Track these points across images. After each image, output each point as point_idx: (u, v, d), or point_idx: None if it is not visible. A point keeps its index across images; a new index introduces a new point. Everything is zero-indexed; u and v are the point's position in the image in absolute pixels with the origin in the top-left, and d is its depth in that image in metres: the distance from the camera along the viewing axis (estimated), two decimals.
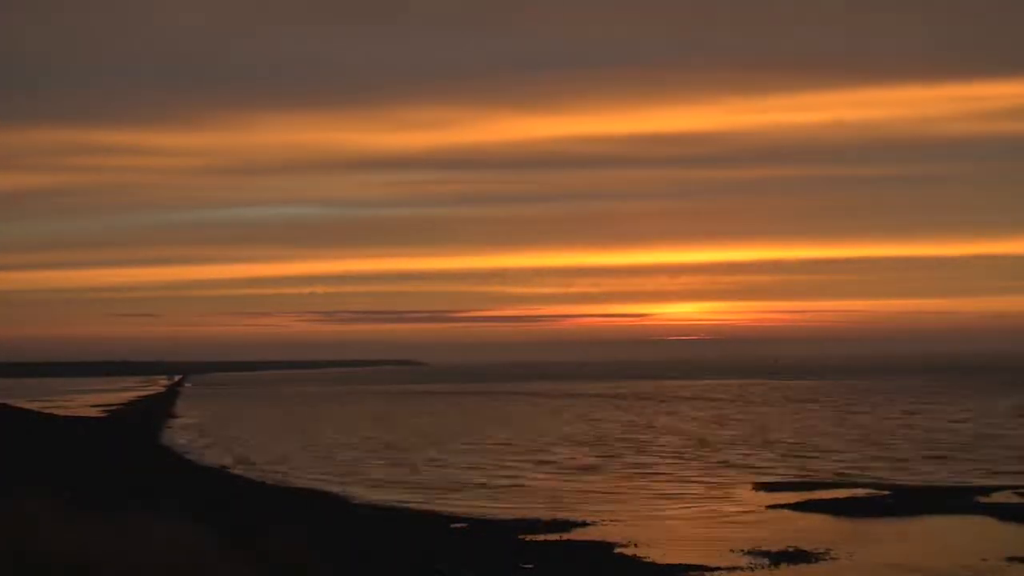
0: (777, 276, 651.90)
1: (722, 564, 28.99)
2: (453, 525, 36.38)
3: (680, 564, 29.16)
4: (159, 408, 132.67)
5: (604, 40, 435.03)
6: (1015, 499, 40.46)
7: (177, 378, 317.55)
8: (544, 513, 39.15)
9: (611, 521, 36.87)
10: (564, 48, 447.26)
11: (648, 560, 29.60)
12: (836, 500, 40.93)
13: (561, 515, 38.41)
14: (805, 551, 30.38)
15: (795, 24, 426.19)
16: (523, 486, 48.26)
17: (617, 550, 31.09)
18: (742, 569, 28.39)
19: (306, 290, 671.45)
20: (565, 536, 33.66)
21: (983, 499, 40.41)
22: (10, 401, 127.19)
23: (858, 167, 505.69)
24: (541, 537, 33.29)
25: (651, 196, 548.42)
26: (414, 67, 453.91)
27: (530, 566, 28.30)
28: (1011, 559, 29.08)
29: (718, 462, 56.88)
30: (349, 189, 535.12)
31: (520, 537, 33.32)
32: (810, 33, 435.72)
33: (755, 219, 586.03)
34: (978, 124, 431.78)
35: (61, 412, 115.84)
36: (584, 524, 36.18)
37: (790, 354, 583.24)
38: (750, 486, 46.27)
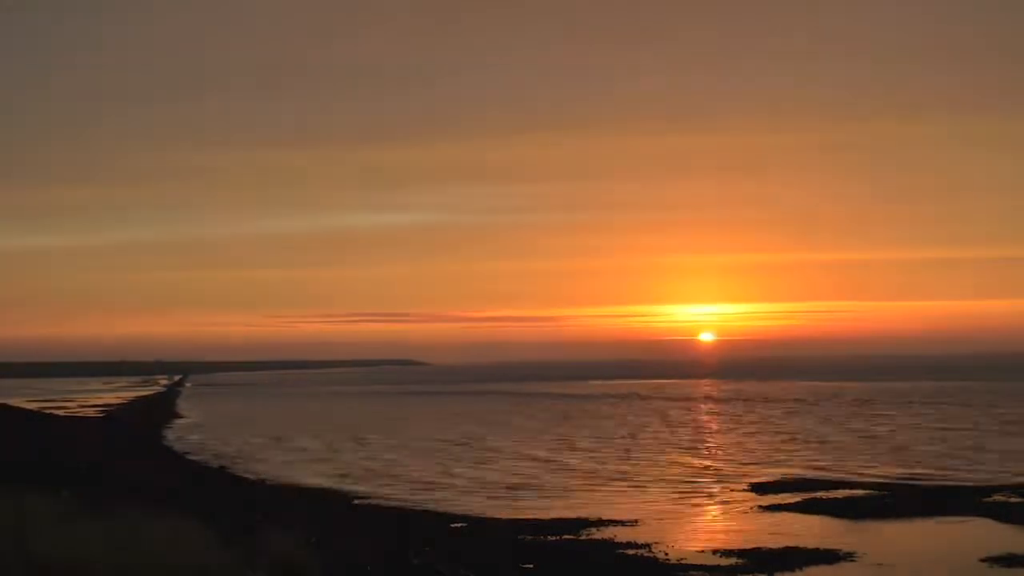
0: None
1: (722, 564, 29.02)
2: (453, 525, 36.42)
3: (680, 563, 29.18)
4: (159, 408, 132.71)
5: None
6: (1015, 499, 40.42)
7: (177, 378, 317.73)
8: (544, 513, 39.21)
9: (612, 521, 36.87)
10: None
11: (648, 560, 29.60)
12: (836, 500, 40.90)
13: (561, 515, 38.45)
14: (804, 553, 30.40)
15: None
16: (522, 485, 48.30)
17: (618, 551, 31.10)
18: (742, 570, 28.40)
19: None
20: (565, 536, 33.68)
21: (983, 500, 40.38)
22: (10, 401, 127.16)
23: None
24: (541, 537, 33.34)
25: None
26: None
27: (530, 566, 28.31)
28: (1008, 561, 29.05)
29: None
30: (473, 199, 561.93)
31: (520, 537, 33.35)
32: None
33: None
34: None
35: (61, 412, 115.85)
36: (585, 524, 36.19)
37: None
38: (749, 486, 46.27)
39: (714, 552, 30.62)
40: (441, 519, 37.97)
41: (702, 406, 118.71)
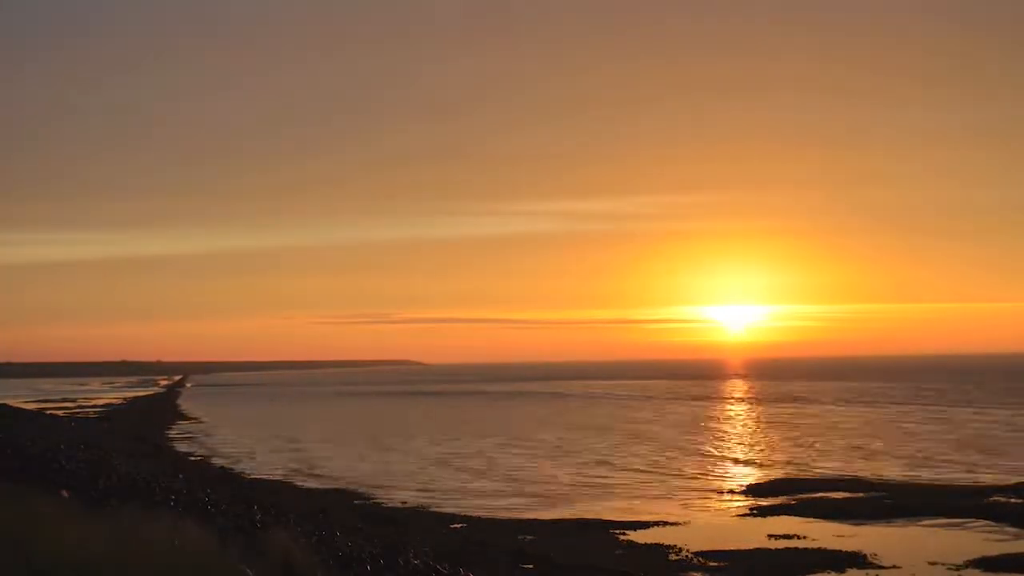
0: None
1: (723, 566, 29.00)
2: (453, 525, 36.44)
3: (679, 562, 29.21)
4: (159, 408, 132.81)
5: None
6: (1014, 499, 40.36)
7: (177, 378, 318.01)
8: (544, 514, 39.23)
9: (612, 522, 36.87)
10: None
11: (649, 561, 29.59)
12: (836, 501, 40.88)
13: (562, 516, 38.47)
14: (806, 554, 30.41)
15: None
16: (520, 486, 48.32)
17: (618, 552, 31.12)
18: (744, 573, 28.39)
19: None
20: (565, 536, 33.69)
21: (983, 501, 40.31)
22: (10, 401, 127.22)
23: None
24: (541, 537, 33.35)
25: None
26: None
27: (530, 566, 28.34)
28: (1007, 563, 29.06)
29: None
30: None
31: (520, 537, 33.37)
32: None
33: None
34: None
35: (61, 412, 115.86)
36: (585, 525, 36.21)
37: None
38: (750, 488, 46.26)
39: (715, 553, 30.60)
40: (441, 519, 38.01)
41: (716, 407, 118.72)
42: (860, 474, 50.20)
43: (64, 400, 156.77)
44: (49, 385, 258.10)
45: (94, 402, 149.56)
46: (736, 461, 58.57)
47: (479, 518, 38.21)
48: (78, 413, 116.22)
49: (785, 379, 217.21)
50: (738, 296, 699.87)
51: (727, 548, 31.33)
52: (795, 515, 38.03)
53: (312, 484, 50.26)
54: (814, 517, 37.29)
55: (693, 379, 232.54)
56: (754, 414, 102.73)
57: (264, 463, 61.33)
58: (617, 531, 34.93)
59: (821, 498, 41.91)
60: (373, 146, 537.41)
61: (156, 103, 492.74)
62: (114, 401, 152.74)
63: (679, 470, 54.22)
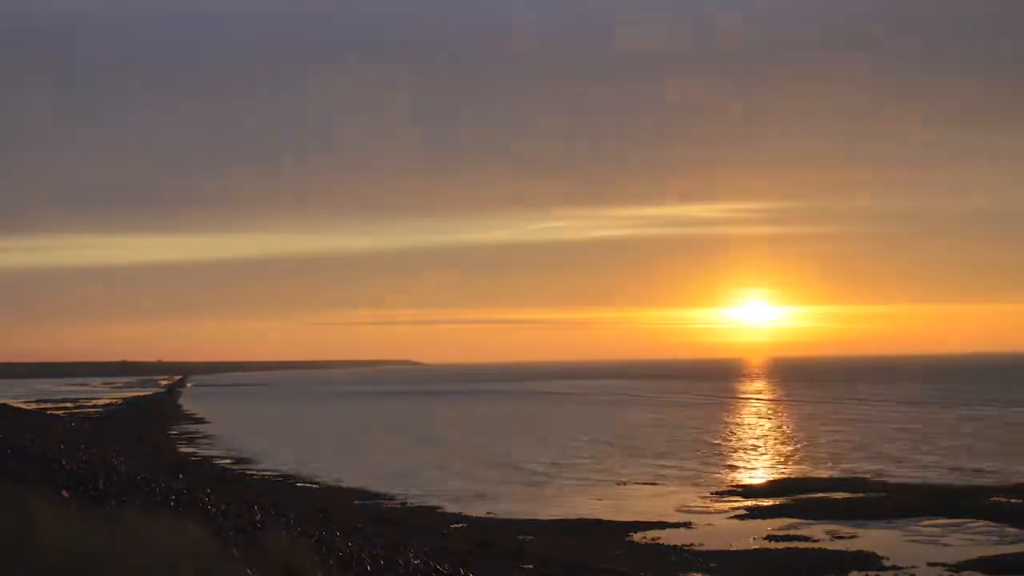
0: None
1: (724, 567, 29.01)
2: (453, 525, 36.45)
3: (679, 563, 29.22)
4: (160, 408, 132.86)
5: None
6: (1014, 499, 40.37)
7: (178, 378, 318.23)
8: (544, 514, 39.24)
9: (612, 522, 36.88)
10: None
11: (647, 560, 29.61)
12: (835, 502, 40.90)
13: (561, 515, 38.48)
14: (807, 554, 30.41)
15: None
16: (518, 487, 48.34)
17: (617, 551, 31.13)
18: (741, 573, 28.40)
19: None
20: (564, 538, 33.70)
21: (983, 501, 40.32)
22: (10, 401, 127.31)
23: None
24: (541, 537, 33.36)
25: None
26: None
27: (530, 566, 28.35)
28: (1004, 563, 29.07)
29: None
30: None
31: (520, 537, 33.38)
32: None
33: None
34: None
35: (61, 412, 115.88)
36: (584, 525, 36.23)
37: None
38: (750, 488, 46.26)
39: (716, 554, 30.62)
40: (441, 519, 38.03)
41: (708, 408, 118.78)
42: (857, 475, 50.22)
43: (64, 400, 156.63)
44: (49, 385, 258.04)
45: (94, 402, 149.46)
46: (737, 461, 58.54)
47: (479, 518, 38.23)
48: (78, 413, 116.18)
49: (799, 380, 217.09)
50: (754, 298, 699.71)
51: (727, 549, 31.35)
52: (795, 516, 38.04)
53: (312, 484, 50.26)
54: (814, 518, 37.30)
55: (697, 380, 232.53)
56: (762, 414, 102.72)
57: (265, 463, 61.34)
58: (617, 531, 34.94)
59: (821, 498, 41.93)
60: (372, 151, 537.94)
61: (157, 106, 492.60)
62: (114, 401, 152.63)
63: (680, 470, 54.20)
